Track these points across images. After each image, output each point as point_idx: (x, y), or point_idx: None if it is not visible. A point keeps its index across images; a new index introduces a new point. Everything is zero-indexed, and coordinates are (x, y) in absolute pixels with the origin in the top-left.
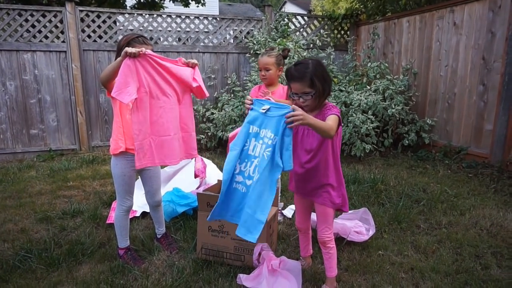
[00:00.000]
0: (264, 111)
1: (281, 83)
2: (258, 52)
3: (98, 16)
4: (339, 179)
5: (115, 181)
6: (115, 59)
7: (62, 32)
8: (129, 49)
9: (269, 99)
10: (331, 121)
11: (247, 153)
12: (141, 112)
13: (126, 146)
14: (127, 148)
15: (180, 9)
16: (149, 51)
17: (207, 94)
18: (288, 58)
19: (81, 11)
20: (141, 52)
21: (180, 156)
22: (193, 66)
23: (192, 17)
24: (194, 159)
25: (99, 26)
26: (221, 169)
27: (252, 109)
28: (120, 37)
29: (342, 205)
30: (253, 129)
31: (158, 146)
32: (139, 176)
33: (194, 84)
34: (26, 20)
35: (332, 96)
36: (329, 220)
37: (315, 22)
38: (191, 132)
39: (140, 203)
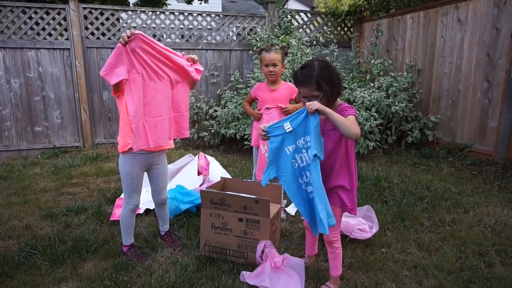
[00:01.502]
0: (290, 130)
1: (284, 80)
2: None
3: (101, 14)
4: (351, 183)
5: (123, 180)
6: None
7: (65, 30)
8: (123, 38)
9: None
10: (350, 121)
11: (300, 168)
12: (135, 93)
13: None
14: None
15: (183, 6)
16: (141, 32)
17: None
18: (291, 55)
19: (84, 8)
20: (132, 34)
21: (171, 135)
22: (193, 61)
23: (195, 14)
24: (197, 156)
25: (102, 24)
26: (224, 166)
27: (271, 137)
28: (123, 35)
29: (352, 208)
30: (289, 149)
31: (152, 127)
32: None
33: (191, 69)
34: (30, 18)
35: None
36: (336, 220)
37: (318, 18)
38: (183, 112)
39: (143, 200)
